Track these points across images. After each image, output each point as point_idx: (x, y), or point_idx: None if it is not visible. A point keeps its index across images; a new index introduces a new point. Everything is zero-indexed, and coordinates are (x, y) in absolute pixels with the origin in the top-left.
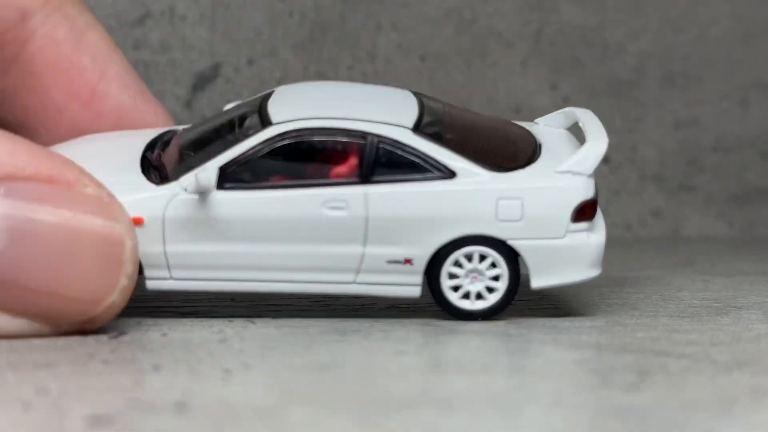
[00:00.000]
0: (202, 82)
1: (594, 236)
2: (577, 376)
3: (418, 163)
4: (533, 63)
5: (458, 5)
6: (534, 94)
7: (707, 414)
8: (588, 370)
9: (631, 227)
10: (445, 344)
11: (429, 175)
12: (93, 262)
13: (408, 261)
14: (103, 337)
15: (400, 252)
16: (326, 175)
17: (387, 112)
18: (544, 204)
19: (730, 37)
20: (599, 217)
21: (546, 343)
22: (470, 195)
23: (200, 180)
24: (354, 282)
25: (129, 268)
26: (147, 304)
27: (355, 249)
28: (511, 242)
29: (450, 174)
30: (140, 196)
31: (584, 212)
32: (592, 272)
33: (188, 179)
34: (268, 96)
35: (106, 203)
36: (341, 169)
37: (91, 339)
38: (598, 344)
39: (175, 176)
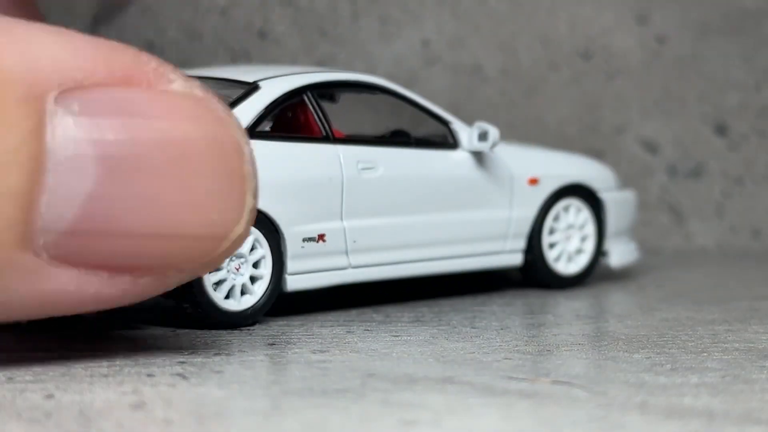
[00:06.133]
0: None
1: None
2: None
3: None
4: None
5: None
6: (612, 31)
7: None
8: None
9: (759, 233)
10: (477, 413)
11: None
12: (209, 182)
13: None
14: None
15: None
16: None
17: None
18: None
19: None
20: None
21: (630, 409)
22: None
23: None
24: None
25: (252, 183)
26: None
27: None
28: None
29: None
30: None
31: None
32: None
33: None
34: None
35: (202, 98)
36: None
37: None
38: (710, 411)
39: None
